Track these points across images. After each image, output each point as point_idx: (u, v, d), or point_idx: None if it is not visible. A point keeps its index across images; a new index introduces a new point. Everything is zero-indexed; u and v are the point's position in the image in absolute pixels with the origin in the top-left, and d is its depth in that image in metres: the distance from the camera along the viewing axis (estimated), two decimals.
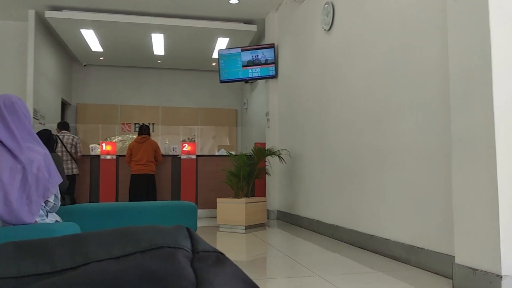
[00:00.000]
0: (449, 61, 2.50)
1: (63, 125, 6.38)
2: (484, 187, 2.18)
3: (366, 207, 3.75)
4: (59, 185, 1.82)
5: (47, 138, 4.08)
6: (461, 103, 2.38)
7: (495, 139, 2.12)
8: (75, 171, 6.14)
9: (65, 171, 5.34)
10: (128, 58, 9.68)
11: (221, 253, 0.34)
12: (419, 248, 2.93)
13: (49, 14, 7.00)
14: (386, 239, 3.35)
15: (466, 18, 2.36)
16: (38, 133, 4.02)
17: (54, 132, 5.37)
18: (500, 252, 2.05)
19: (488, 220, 2.14)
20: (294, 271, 2.97)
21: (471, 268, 2.22)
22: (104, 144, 6.95)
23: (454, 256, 2.40)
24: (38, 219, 1.68)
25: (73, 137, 6.23)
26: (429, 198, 2.87)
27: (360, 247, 3.76)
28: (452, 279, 2.39)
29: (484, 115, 2.20)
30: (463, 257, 2.31)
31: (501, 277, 2.03)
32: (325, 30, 4.78)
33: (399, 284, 2.55)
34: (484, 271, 2.13)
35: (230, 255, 0.32)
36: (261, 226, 5.55)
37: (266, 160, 6.19)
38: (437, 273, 2.71)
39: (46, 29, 7.70)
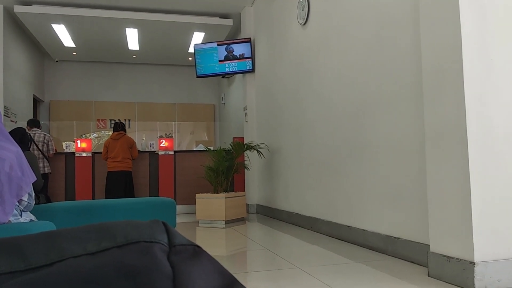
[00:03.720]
0: (421, 55, 2.55)
1: (33, 123, 6.21)
2: (457, 178, 2.24)
3: (344, 199, 3.80)
4: (34, 184, 1.78)
5: (20, 136, 3.97)
6: (433, 97, 2.43)
7: (467, 132, 2.18)
8: (47, 170, 6.00)
9: None
10: (102, 54, 9.50)
11: (198, 246, 0.34)
12: (396, 238, 2.99)
13: (18, 8, 6.80)
14: (364, 230, 3.41)
15: (438, 13, 2.41)
16: (11, 132, 3.90)
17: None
18: (473, 240, 2.12)
19: (461, 210, 2.21)
20: (274, 264, 2.99)
21: (445, 256, 2.29)
22: (79, 141, 6.82)
23: (429, 245, 2.46)
24: (12, 219, 1.64)
25: (45, 135, 6.08)
26: (405, 189, 2.94)
27: (338, 239, 3.81)
28: (427, 267, 2.46)
29: (456, 109, 2.25)
30: (437, 246, 2.38)
31: (474, 263, 2.10)
32: (300, 24, 4.80)
33: (377, 273, 2.60)
34: (458, 259, 2.20)
35: (211, 250, 0.32)
36: (241, 220, 5.56)
37: (245, 154, 6.20)
38: (413, 262, 2.78)
39: (15, 24, 7.48)
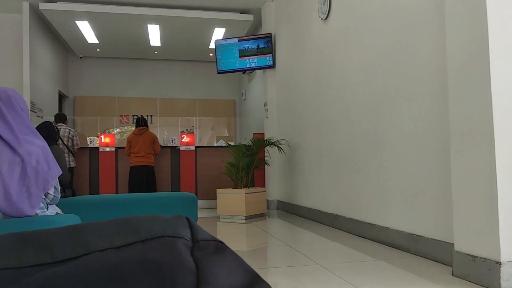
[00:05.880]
0: (446, 49, 2.49)
1: (59, 118, 6.35)
2: (483, 174, 2.19)
3: (365, 196, 3.76)
4: (61, 178, 1.82)
5: (47, 130, 4.05)
6: (459, 92, 2.38)
7: (493, 127, 2.12)
8: (72, 164, 6.13)
9: None
10: (124, 50, 9.63)
11: (221, 242, 0.34)
12: (419, 236, 2.94)
13: (43, 6, 6.94)
14: (386, 227, 3.37)
15: (464, 5, 2.34)
16: (39, 126, 3.99)
17: None
18: (499, 239, 2.07)
19: (487, 207, 2.15)
20: (294, 260, 2.99)
21: (471, 255, 2.24)
22: (102, 136, 6.94)
23: (453, 244, 2.41)
24: (38, 212, 1.68)
25: (70, 130, 6.21)
26: (428, 186, 2.88)
27: (360, 236, 3.78)
28: (451, 266, 2.41)
29: (482, 103, 2.19)
30: (462, 245, 2.33)
31: (500, 263, 2.04)
32: (322, 19, 4.76)
33: (399, 272, 2.57)
34: (483, 258, 2.15)
35: (231, 245, 0.32)
36: (261, 216, 5.57)
37: (265, 150, 6.20)
38: (436, 261, 2.73)
39: (41, 21, 7.65)
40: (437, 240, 2.74)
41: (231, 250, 0.34)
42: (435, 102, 2.82)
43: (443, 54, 2.65)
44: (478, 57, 2.23)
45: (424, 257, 2.85)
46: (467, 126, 2.31)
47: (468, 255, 2.25)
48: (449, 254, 2.46)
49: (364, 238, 3.68)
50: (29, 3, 6.99)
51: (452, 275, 2.38)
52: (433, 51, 2.84)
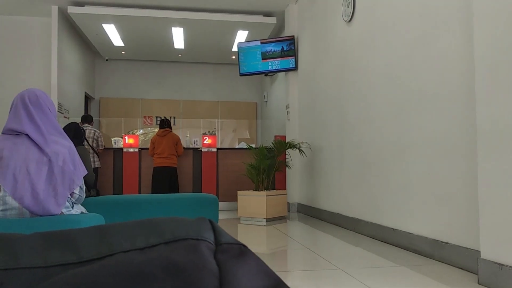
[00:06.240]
0: (474, 50, 2.43)
1: (85, 119, 6.49)
2: (510, 179, 2.12)
3: (388, 200, 3.70)
4: (87, 178, 1.86)
5: (74, 131, 4.14)
6: (487, 94, 2.31)
7: None
8: (97, 164, 6.25)
9: None
10: (149, 52, 9.77)
11: (244, 246, 0.34)
12: (443, 242, 2.88)
13: (71, 9, 7.12)
14: (409, 233, 3.31)
15: (492, 5, 2.28)
16: (65, 127, 4.08)
17: None
18: None
19: None
20: (315, 264, 2.97)
21: (497, 263, 2.17)
22: (126, 137, 7.05)
23: (479, 251, 2.35)
24: (64, 210, 1.72)
25: (95, 131, 6.33)
26: (453, 191, 2.82)
27: (382, 241, 3.72)
28: (477, 274, 2.35)
29: (511, 105, 2.13)
30: (488, 252, 2.26)
31: None
32: (345, 21, 4.72)
33: (423, 278, 2.51)
34: (511, 267, 2.08)
35: (251, 248, 0.32)
36: (281, 218, 5.55)
37: (286, 153, 6.18)
38: (461, 268, 2.66)
39: (69, 24, 7.84)
40: (462, 247, 2.68)
41: (254, 254, 0.34)
42: (460, 105, 2.75)
43: (470, 55, 2.58)
44: (507, 59, 2.17)
45: (449, 264, 2.79)
46: (495, 129, 2.24)
47: (495, 263, 2.19)
48: (475, 262, 2.39)
49: (387, 243, 3.62)
50: (58, 7, 7.18)
51: (478, 283, 2.31)
52: (458, 51, 2.78)
